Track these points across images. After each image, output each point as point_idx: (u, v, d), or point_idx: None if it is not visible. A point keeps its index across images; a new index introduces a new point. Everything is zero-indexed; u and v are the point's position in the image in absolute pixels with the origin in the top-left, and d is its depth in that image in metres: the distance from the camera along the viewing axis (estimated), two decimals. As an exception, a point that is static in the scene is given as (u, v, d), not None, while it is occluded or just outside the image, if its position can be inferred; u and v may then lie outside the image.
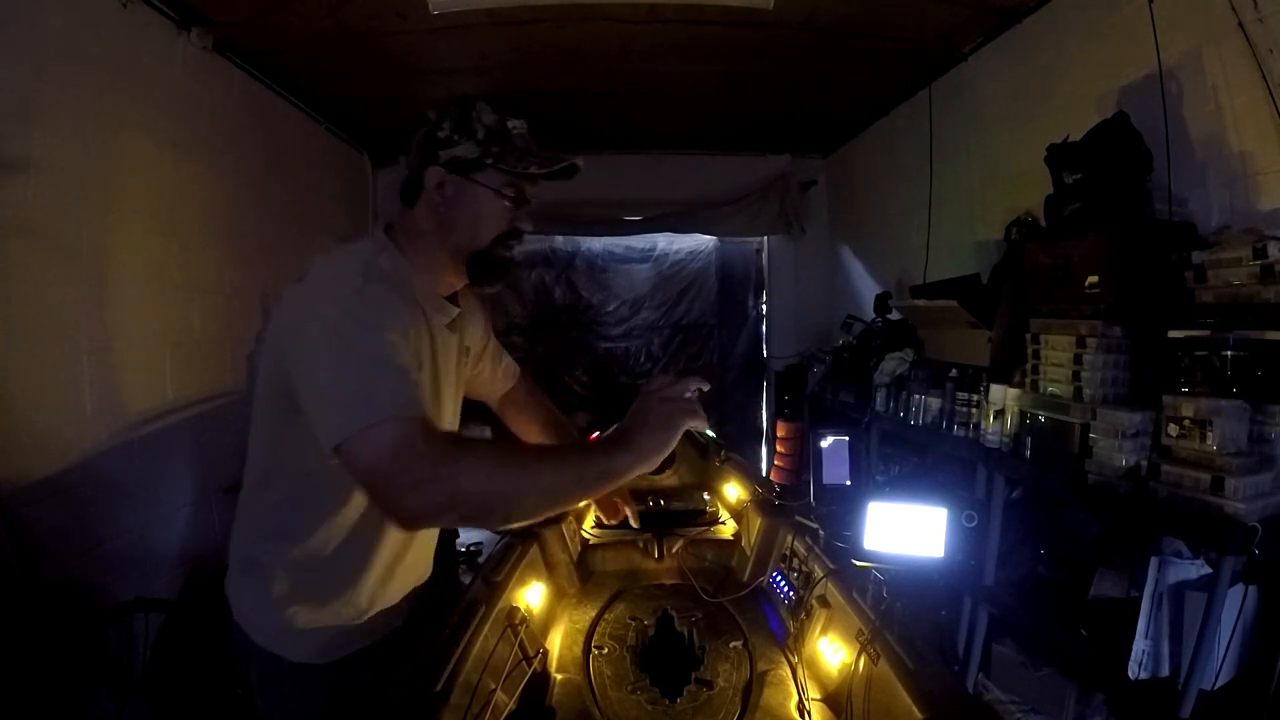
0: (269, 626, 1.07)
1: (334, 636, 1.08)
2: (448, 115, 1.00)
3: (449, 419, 1.18)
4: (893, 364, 2.61)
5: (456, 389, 1.20)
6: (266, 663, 1.07)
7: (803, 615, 1.41)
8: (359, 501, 1.02)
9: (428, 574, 1.26)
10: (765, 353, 4.54)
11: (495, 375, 1.45)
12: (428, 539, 1.22)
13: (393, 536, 1.08)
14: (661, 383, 0.91)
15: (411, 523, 0.80)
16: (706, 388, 0.92)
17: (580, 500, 0.91)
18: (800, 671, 1.29)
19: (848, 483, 1.66)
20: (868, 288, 3.61)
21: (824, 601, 1.37)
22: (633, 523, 1.62)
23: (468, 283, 1.10)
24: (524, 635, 1.30)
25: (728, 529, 1.92)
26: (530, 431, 1.49)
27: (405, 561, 1.14)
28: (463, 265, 1.05)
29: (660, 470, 2.19)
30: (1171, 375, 1.43)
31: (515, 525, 1.32)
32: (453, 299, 1.12)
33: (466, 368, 1.25)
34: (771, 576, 1.63)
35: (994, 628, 1.93)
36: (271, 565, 1.06)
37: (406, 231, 1.05)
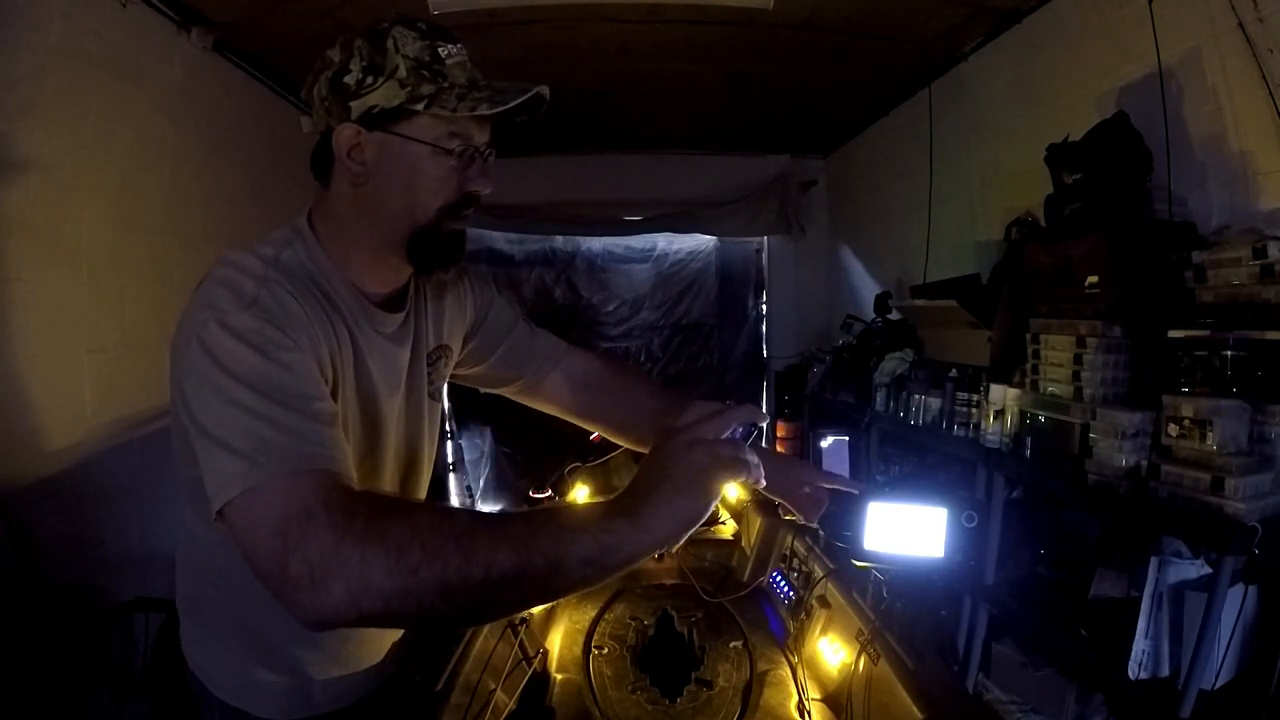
0: (225, 679, 0.90)
1: (301, 692, 0.90)
2: (356, 52, 0.73)
3: (402, 458, 0.93)
4: (893, 364, 2.61)
5: (415, 415, 0.94)
6: (230, 716, 0.90)
7: (803, 615, 1.41)
8: None
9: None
10: (765, 353, 4.54)
11: (520, 366, 1.07)
12: None
13: None
14: (695, 416, 0.63)
15: (310, 625, 0.55)
16: (764, 422, 0.65)
17: (565, 595, 0.59)
18: (800, 671, 1.29)
19: (848, 483, 1.66)
20: (868, 288, 3.61)
21: (824, 601, 1.38)
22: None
23: (417, 273, 0.87)
24: (524, 635, 1.30)
25: (728, 529, 1.92)
26: (626, 430, 1.06)
27: None
28: (402, 249, 0.79)
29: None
30: (1171, 375, 1.43)
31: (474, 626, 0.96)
32: (399, 299, 0.88)
33: (442, 372, 0.99)
34: (771, 576, 1.63)
35: (994, 628, 1.93)
36: (215, 606, 0.89)
37: (323, 218, 0.81)
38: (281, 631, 0.87)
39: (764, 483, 0.63)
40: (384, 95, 0.72)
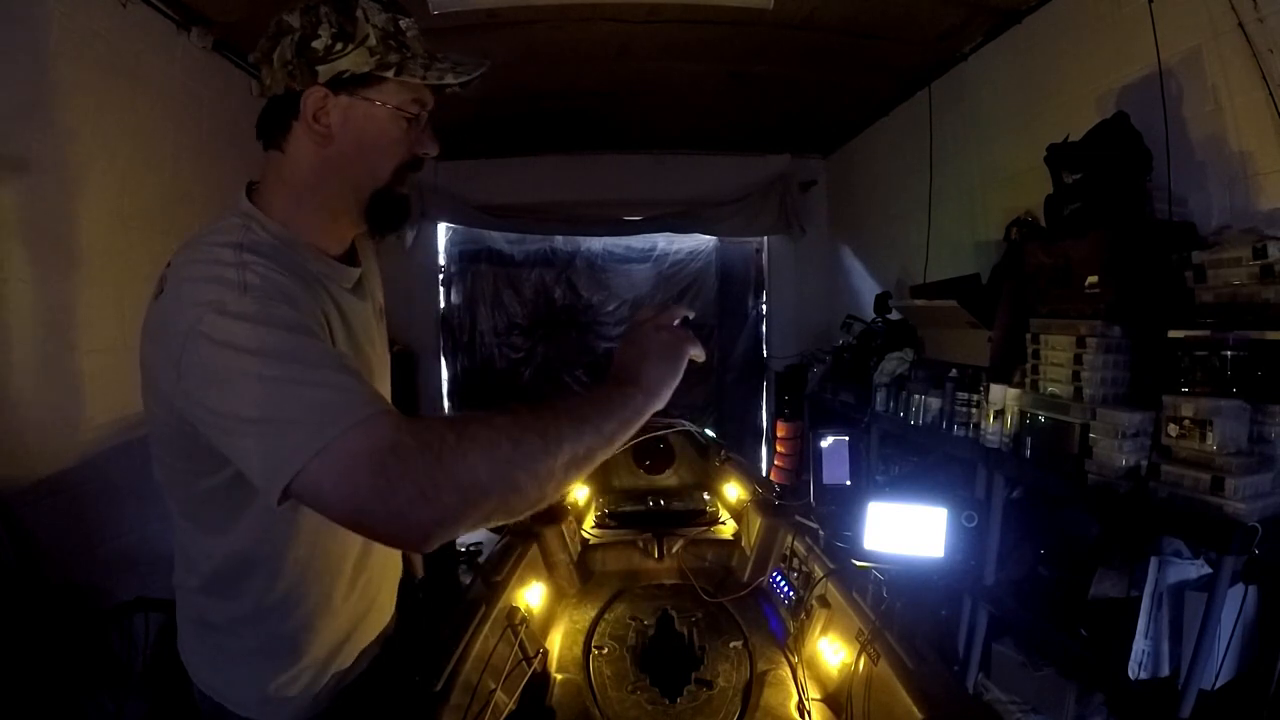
0: (248, 696, 0.89)
1: (319, 686, 0.93)
2: (323, 19, 0.75)
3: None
4: (893, 364, 2.61)
5: (383, 366, 1.00)
6: None
7: (803, 615, 1.41)
8: (306, 536, 0.84)
9: (393, 609, 1.08)
10: (765, 353, 4.54)
11: None
12: (386, 569, 1.04)
13: (350, 559, 0.92)
14: (649, 312, 0.83)
15: (425, 540, 0.61)
16: (691, 315, 0.85)
17: (606, 456, 0.70)
18: (800, 671, 1.29)
19: (848, 483, 1.66)
20: (868, 288, 3.61)
21: (824, 601, 1.37)
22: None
23: (365, 231, 0.90)
24: (524, 635, 1.30)
25: (728, 529, 1.92)
26: None
27: (371, 591, 0.99)
28: (361, 210, 0.83)
29: (660, 470, 2.20)
30: (1171, 375, 1.43)
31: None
32: (351, 255, 0.92)
33: (384, 331, 1.05)
34: (771, 576, 1.63)
35: (994, 628, 1.93)
36: (231, 625, 0.88)
37: (279, 183, 0.82)
38: (296, 635, 0.89)
39: (703, 356, 0.81)
40: (354, 61, 0.76)
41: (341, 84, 0.77)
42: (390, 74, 0.77)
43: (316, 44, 0.75)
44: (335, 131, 0.78)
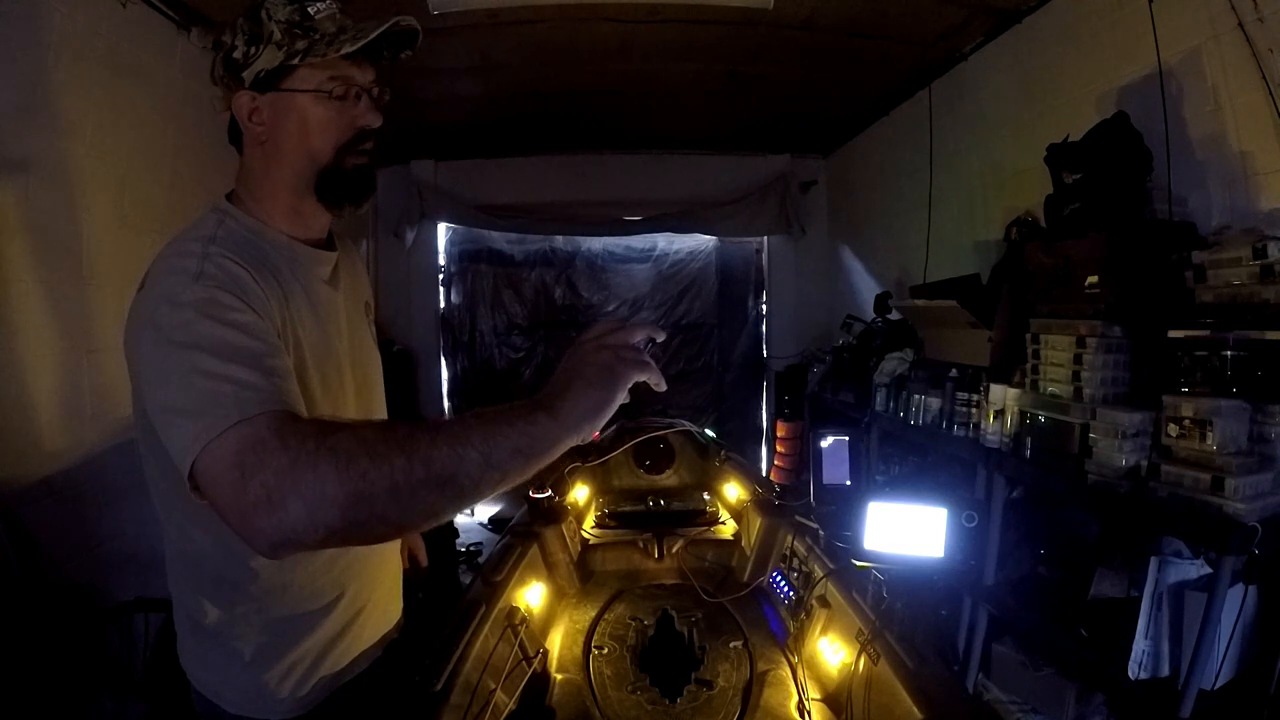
0: (242, 693, 0.91)
1: (311, 683, 0.93)
2: (239, 30, 0.82)
3: (362, 399, 0.98)
4: (893, 364, 2.61)
5: (365, 357, 1.00)
6: None
7: (803, 615, 1.41)
8: None
9: (398, 614, 1.10)
10: (765, 353, 4.55)
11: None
12: (382, 568, 1.04)
13: (319, 557, 0.90)
14: (602, 328, 0.70)
15: (272, 549, 0.58)
16: (661, 337, 0.72)
17: (497, 488, 0.62)
18: (800, 671, 1.29)
19: (848, 483, 1.66)
20: (868, 288, 3.61)
21: (824, 601, 1.37)
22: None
23: (324, 207, 0.90)
24: (524, 635, 1.30)
25: (728, 529, 1.92)
26: None
27: (364, 590, 0.99)
28: (311, 191, 0.87)
29: (660, 470, 2.20)
30: (1171, 375, 1.43)
31: (421, 528, 0.94)
32: (329, 244, 0.95)
33: (372, 327, 1.06)
34: (771, 576, 1.63)
35: (994, 628, 1.93)
36: (226, 625, 0.89)
37: (241, 183, 0.89)
38: (294, 631, 0.90)
39: (664, 386, 0.68)
40: (266, 59, 0.81)
41: (263, 83, 0.82)
42: (297, 61, 0.81)
43: (236, 54, 0.82)
44: (269, 127, 0.84)
